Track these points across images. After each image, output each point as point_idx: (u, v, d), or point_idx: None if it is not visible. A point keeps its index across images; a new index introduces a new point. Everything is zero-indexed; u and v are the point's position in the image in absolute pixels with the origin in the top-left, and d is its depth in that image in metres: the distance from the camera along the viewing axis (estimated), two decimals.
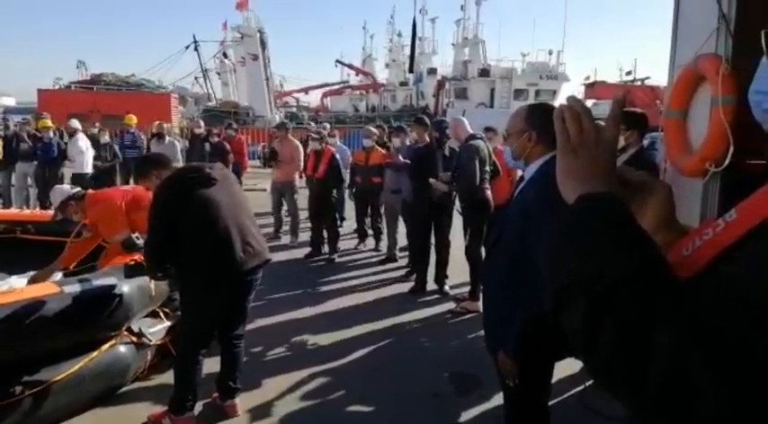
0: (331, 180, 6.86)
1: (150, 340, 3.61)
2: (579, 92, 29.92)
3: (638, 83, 30.34)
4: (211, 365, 3.28)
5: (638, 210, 0.92)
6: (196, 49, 32.22)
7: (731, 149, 3.05)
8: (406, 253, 6.70)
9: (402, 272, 6.37)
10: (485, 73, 28.87)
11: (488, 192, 5.12)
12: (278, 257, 5.72)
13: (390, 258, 6.90)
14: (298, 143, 8.28)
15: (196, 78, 34.43)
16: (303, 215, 7.81)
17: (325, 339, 4.47)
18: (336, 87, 44.78)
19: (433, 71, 33.62)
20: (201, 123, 11.00)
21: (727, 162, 3.09)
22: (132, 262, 3.47)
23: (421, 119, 6.35)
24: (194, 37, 31.99)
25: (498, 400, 3.42)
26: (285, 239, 7.87)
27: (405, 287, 5.87)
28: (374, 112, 34.42)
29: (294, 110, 36.69)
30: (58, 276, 4.01)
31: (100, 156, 9.54)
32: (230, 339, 3.23)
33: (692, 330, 0.60)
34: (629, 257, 0.69)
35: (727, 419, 0.56)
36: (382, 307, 5.32)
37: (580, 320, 0.68)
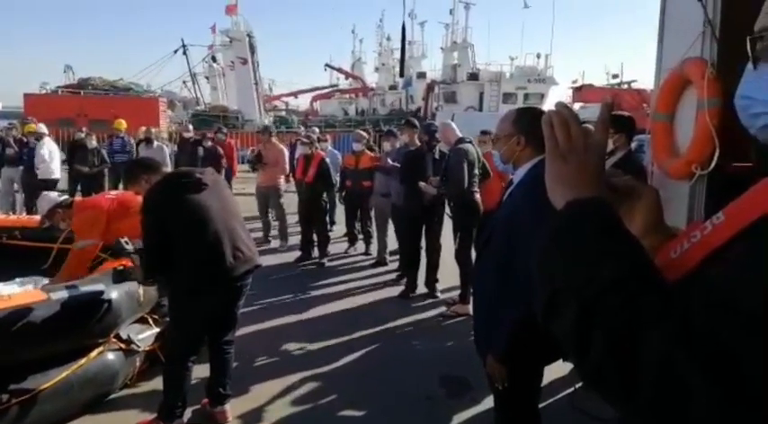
0: (320, 184, 6.85)
1: (139, 347, 3.57)
2: (567, 96, 30.12)
3: (625, 86, 30.56)
4: (201, 371, 3.25)
5: (626, 215, 0.93)
6: (185, 53, 32.09)
7: (717, 152, 3.09)
8: (397, 257, 6.71)
9: (392, 276, 6.37)
10: (474, 76, 28.97)
11: (477, 195, 5.14)
12: (268, 261, 5.69)
13: (380, 261, 6.90)
14: (282, 147, 8.27)
15: (184, 82, 34.27)
16: (293, 218, 7.78)
17: (315, 343, 4.46)
18: (326, 91, 44.75)
19: (422, 75, 33.69)
20: (190, 127, 10.94)
21: (713, 164, 3.13)
22: (121, 267, 3.44)
23: (411, 121, 6.38)
24: (183, 41, 31.88)
25: (489, 403, 3.43)
26: (275, 243, 7.84)
27: (395, 290, 5.87)
28: (364, 116, 34.41)
29: (284, 113, 36.63)
30: (44, 282, 3.97)
31: (87, 161, 9.44)
32: (220, 344, 3.21)
33: (682, 333, 0.60)
34: (618, 262, 0.70)
35: (718, 421, 0.57)
36: (373, 311, 5.31)
37: (571, 326, 0.69)
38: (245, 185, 11.64)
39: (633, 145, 3.97)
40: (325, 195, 6.96)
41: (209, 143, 9.38)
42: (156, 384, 3.36)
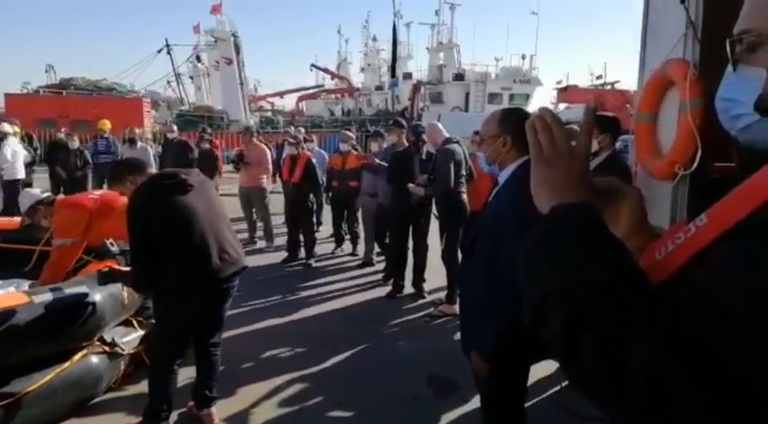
0: (307, 185, 6.83)
1: (123, 350, 3.53)
2: (552, 97, 30.37)
3: (609, 87, 30.89)
4: (187, 373, 3.23)
5: (610, 216, 0.94)
6: (169, 53, 31.86)
7: (699, 152, 3.13)
8: (383, 258, 6.72)
9: (379, 276, 6.37)
10: (459, 77, 29.08)
11: (464, 196, 5.16)
12: (254, 262, 5.65)
13: (367, 262, 6.90)
14: (264, 147, 8.25)
15: (169, 82, 34.04)
16: (280, 219, 7.75)
17: (302, 344, 4.44)
18: (312, 91, 44.66)
19: (408, 75, 33.80)
20: (175, 128, 10.87)
21: (695, 165, 3.18)
22: (106, 269, 3.40)
23: (398, 122, 6.39)
24: (167, 41, 31.64)
25: (477, 402, 3.42)
26: (261, 243, 7.81)
27: (382, 291, 5.87)
28: (350, 116, 34.39)
29: (269, 114, 36.49)
30: (26, 285, 3.91)
31: (69, 162, 9.32)
32: (206, 347, 3.19)
33: (669, 336, 0.61)
34: (603, 265, 0.70)
35: (707, 422, 0.57)
36: (360, 312, 5.31)
37: (559, 330, 0.69)
38: (230, 185, 11.55)
39: (618, 145, 4.01)
40: (311, 196, 6.94)
41: (207, 145, 9.30)
42: (142, 387, 3.33)
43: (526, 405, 2.32)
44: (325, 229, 8.34)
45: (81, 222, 3.56)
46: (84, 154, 9.58)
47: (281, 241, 7.59)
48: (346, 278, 6.37)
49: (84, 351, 3.30)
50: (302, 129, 11.01)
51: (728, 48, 0.77)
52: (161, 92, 34.05)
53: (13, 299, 3.08)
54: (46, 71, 29.16)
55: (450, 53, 31.64)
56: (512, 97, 28.03)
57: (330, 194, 7.48)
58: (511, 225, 1.87)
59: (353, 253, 7.41)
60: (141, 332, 3.75)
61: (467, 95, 28.46)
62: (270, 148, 10.10)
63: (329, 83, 47.31)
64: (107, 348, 3.44)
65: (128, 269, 3.14)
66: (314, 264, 6.94)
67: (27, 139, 10.15)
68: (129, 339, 3.65)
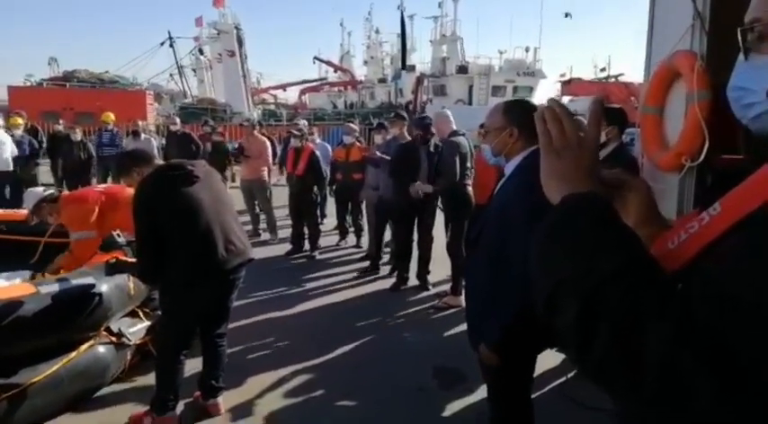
0: (311, 177, 6.82)
1: (130, 340, 3.55)
2: (556, 89, 30.25)
3: (613, 79, 30.76)
4: (194, 364, 3.24)
5: (618, 208, 0.94)
6: (171, 46, 31.77)
7: (707, 144, 3.12)
8: (388, 250, 6.72)
9: (383, 268, 6.38)
10: (463, 70, 28.95)
11: (470, 188, 5.15)
12: (258, 254, 5.63)
13: (371, 254, 6.89)
14: (264, 139, 8.28)
15: (171, 75, 33.92)
16: (284, 212, 7.75)
17: (307, 336, 4.46)
18: (315, 84, 44.52)
19: (411, 68, 33.63)
20: (177, 120, 10.86)
21: (702, 156, 3.16)
22: (113, 260, 3.41)
23: (400, 114, 6.38)
24: (169, 33, 31.52)
25: (482, 393, 3.44)
26: (265, 236, 7.83)
27: (386, 283, 5.88)
28: (353, 109, 34.31)
29: (272, 107, 36.41)
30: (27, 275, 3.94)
31: (72, 155, 9.34)
32: (213, 338, 3.20)
33: (683, 325, 0.61)
34: (616, 255, 0.70)
35: (718, 412, 0.58)
36: (364, 304, 5.32)
37: (572, 319, 0.69)
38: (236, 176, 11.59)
39: (625, 138, 3.99)
40: (315, 188, 6.93)
41: (219, 137, 9.29)
42: (148, 377, 3.35)
43: (532, 396, 2.32)
44: (329, 222, 8.35)
45: (91, 214, 3.59)
46: (87, 147, 9.60)
47: (285, 233, 7.60)
48: (350, 270, 6.37)
49: (91, 342, 3.32)
50: (304, 121, 10.97)
51: (740, 37, 0.77)
52: (164, 84, 34.02)
53: (20, 290, 3.10)
54: (49, 63, 29.12)
55: (454, 46, 31.49)
56: (515, 90, 27.91)
57: (334, 187, 7.47)
58: (519, 217, 1.86)
59: (357, 246, 7.41)
60: (147, 323, 3.77)
61: (470, 88, 28.34)
62: (273, 141, 10.11)
63: (332, 75, 47.19)
64: (114, 339, 3.45)
65: (134, 260, 3.15)
66: (318, 256, 6.95)
67: (32, 132, 10.12)
68: (136, 329, 3.67)
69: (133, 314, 3.77)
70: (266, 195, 7.83)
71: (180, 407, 3.12)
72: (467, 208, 5.14)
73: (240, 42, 28.20)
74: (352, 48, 50.60)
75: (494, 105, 2.25)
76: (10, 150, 8.51)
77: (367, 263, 6.51)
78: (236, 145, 8.51)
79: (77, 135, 9.53)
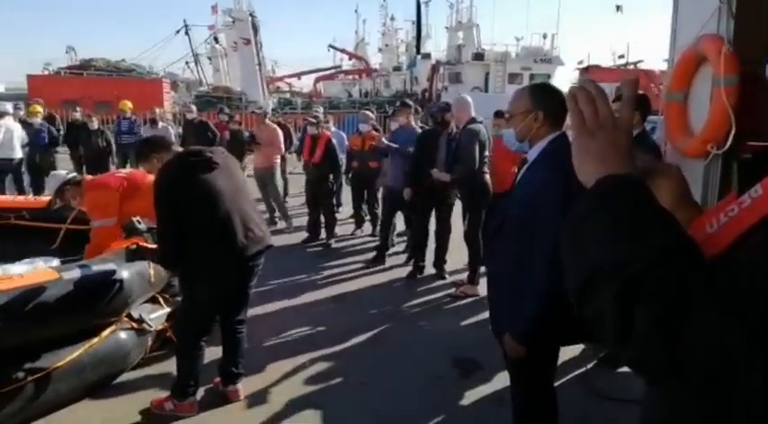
0: (327, 165, 6.81)
1: (150, 326, 3.59)
2: (574, 76, 29.82)
3: (631, 67, 30.27)
4: (214, 350, 3.27)
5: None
6: (187, 34, 31.88)
7: (733, 131, 3.04)
8: (401, 240, 6.71)
9: (399, 257, 6.37)
10: (479, 57, 28.63)
11: (488, 177, 5.10)
12: (275, 242, 5.67)
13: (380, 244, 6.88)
14: (275, 127, 8.30)
15: (187, 63, 34.08)
16: (300, 200, 7.73)
17: (324, 324, 4.47)
18: (329, 72, 44.43)
19: (426, 55, 33.35)
20: (194, 108, 10.93)
21: (728, 143, 3.09)
22: (134, 246, 3.43)
23: (406, 102, 6.35)
24: (185, 21, 31.65)
25: (501, 382, 3.45)
26: (281, 224, 7.85)
27: (403, 271, 5.87)
28: (367, 97, 34.18)
29: (287, 95, 36.42)
30: (55, 262, 3.98)
31: (91, 143, 9.43)
32: (232, 324, 3.22)
33: (730, 309, 0.59)
34: (659, 238, 0.68)
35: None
36: (381, 292, 5.33)
37: (611, 306, 0.66)
38: (249, 165, 11.62)
39: (646, 126, 3.92)
40: (332, 176, 6.92)
41: (237, 126, 9.31)
42: (168, 363, 3.39)
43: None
44: (346, 210, 8.35)
45: (114, 200, 3.61)
46: (105, 135, 9.69)
47: (301, 221, 7.61)
48: (366, 259, 6.36)
49: (113, 327, 3.36)
50: (320, 109, 10.96)
51: None
52: (179, 73, 34.16)
53: (43, 276, 3.13)
54: (66, 52, 29.35)
55: (470, 32, 31.14)
56: (532, 77, 27.53)
57: (350, 175, 7.46)
58: (548, 204, 1.84)
59: (373, 234, 7.40)
60: (167, 309, 3.80)
61: (486, 75, 28.04)
62: (288, 129, 10.12)
63: (347, 63, 47.05)
64: (135, 325, 3.49)
65: (155, 246, 3.17)
66: (334, 245, 6.96)
67: (49, 120, 10.23)
68: (156, 315, 3.71)
69: (153, 300, 3.81)
70: (275, 182, 7.83)
71: (200, 393, 3.16)
72: (485, 197, 5.10)
73: (255, 30, 28.15)
74: (367, 36, 50.44)
75: (518, 89, 2.20)
76: (18, 138, 8.52)
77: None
78: (248, 134, 8.52)
79: (94, 123, 9.62)
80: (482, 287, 5.14)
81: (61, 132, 10.18)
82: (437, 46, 37.08)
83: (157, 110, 10.80)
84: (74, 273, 3.15)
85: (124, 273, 3.31)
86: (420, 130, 6.12)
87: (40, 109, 9.45)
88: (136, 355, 3.51)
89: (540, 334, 1.94)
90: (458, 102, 5.35)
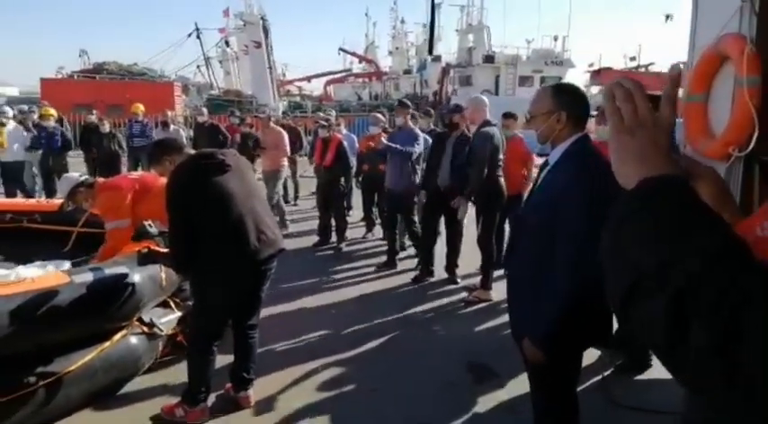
0: (339, 168, 6.77)
1: (162, 331, 3.56)
2: (585, 79, 29.66)
3: (643, 69, 30.07)
4: (225, 356, 3.23)
5: None
6: (198, 37, 32.08)
7: (756, 133, 2.97)
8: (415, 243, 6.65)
9: (412, 261, 6.31)
10: (489, 59, 28.54)
11: (502, 180, 5.03)
12: (285, 246, 5.68)
13: (399, 247, 6.82)
14: (280, 129, 8.28)
15: (198, 67, 34.29)
16: (311, 203, 7.68)
17: (336, 329, 4.43)
18: (339, 75, 44.52)
19: (437, 58, 33.32)
20: (205, 111, 10.96)
21: (751, 146, 3.02)
22: (146, 250, 3.41)
23: (404, 102, 6.33)
24: (196, 25, 31.85)
25: (515, 389, 3.39)
26: (292, 227, 7.82)
27: (414, 275, 5.80)
28: (377, 100, 34.18)
29: (298, 98, 36.54)
30: (66, 265, 3.97)
31: (102, 146, 9.47)
32: (244, 329, 3.18)
33: None
34: (710, 239, 0.64)
35: None
36: (392, 296, 5.27)
37: (661, 313, 0.63)
38: (258, 169, 11.63)
39: None
40: (343, 179, 6.88)
41: (248, 128, 9.30)
42: (180, 368, 3.35)
43: None
44: (356, 213, 8.31)
45: (124, 202, 3.59)
46: (117, 137, 9.74)
47: (312, 225, 7.57)
48: (377, 262, 6.30)
49: (124, 332, 3.33)
50: (333, 112, 10.95)
51: None
52: (191, 77, 34.38)
53: (55, 279, 3.11)
54: (79, 56, 29.65)
55: (480, 35, 31.08)
56: (543, 80, 27.39)
57: (360, 178, 7.41)
58: (573, 206, 1.78)
59: (384, 238, 7.34)
60: (179, 314, 3.78)
61: (497, 78, 27.95)
62: (299, 132, 10.11)
63: (357, 66, 47.13)
64: (146, 329, 3.46)
65: (166, 250, 3.14)
66: (345, 248, 6.91)
67: (58, 123, 10.29)
68: (167, 320, 3.68)
69: (164, 305, 3.79)
70: (277, 184, 7.78)
71: (211, 399, 3.12)
72: (499, 200, 5.04)
73: (266, 33, 28.30)
74: (377, 39, 50.55)
75: (539, 89, 2.14)
76: (20, 141, 8.62)
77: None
78: (253, 139, 8.51)
79: (106, 126, 9.67)
80: (495, 292, 5.08)
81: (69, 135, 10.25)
82: (447, 49, 37.00)
83: (169, 113, 10.87)
84: (85, 277, 3.13)
85: (136, 277, 3.28)
86: (419, 131, 6.11)
87: (53, 111, 9.52)
88: (147, 359, 3.48)
89: (562, 338, 1.88)
90: (474, 102, 5.24)
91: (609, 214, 0.75)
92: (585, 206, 1.74)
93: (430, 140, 5.91)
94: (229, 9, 31.63)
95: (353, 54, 46.31)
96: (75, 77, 25.63)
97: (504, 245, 5.69)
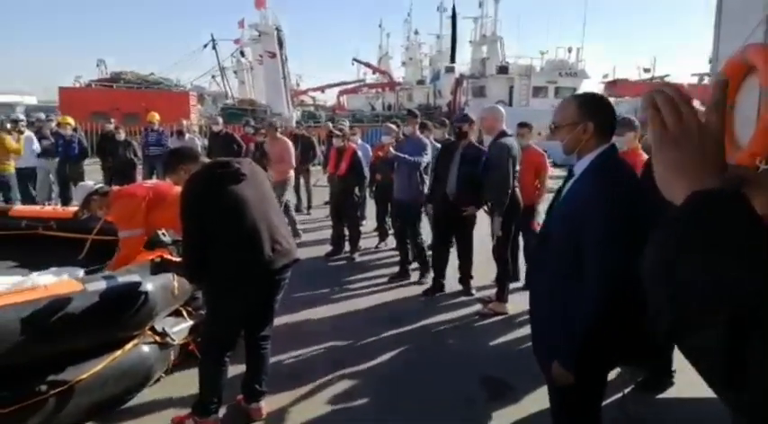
0: (353, 178, 6.74)
1: (174, 340, 3.53)
2: (599, 90, 29.50)
3: (658, 80, 29.86)
4: (237, 367, 3.19)
5: None
6: (214, 48, 32.35)
7: None
8: (429, 253, 6.57)
9: (414, 273, 6.22)
10: (503, 70, 28.49)
11: (518, 190, 4.96)
12: (298, 255, 5.63)
13: (412, 257, 6.74)
14: (286, 140, 8.20)
15: (213, 76, 34.55)
16: (323, 213, 7.64)
17: (349, 340, 4.37)
18: (353, 86, 44.66)
19: (450, 69, 33.34)
20: (220, 120, 11.01)
21: None
22: (159, 259, 3.38)
23: (413, 111, 6.35)
24: (212, 35, 32.12)
25: (530, 405, 3.31)
26: (305, 237, 7.79)
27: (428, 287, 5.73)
28: (390, 111, 34.23)
29: (311, 108, 36.68)
30: (80, 272, 3.96)
31: (117, 154, 9.54)
32: (257, 340, 3.14)
33: None
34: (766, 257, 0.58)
35: None
36: (406, 308, 5.20)
37: (720, 339, 0.57)
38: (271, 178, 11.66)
39: None
40: (357, 189, 6.84)
41: (262, 138, 9.22)
42: (191, 378, 3.31)
43: None
44: (369, 223, 8.26)
45: (140, 211, 3.59)
46: (132, 146, 9.80)
47: (325, 234, 7.53)
48: (390, 273, 6.23)
49: (136, 341, 3.30)
50: (346, 122, 10.95)
51: None
52: (206, 86, 34.68)
53: (68, 286, 3.10)
54: (97, 65, 29.99)
55: (494, 46, 31.09)
56: (557, 91, 27.29)
57: (374, 188, 7.36)
58: (598, 216, 1.73)
59: (397, 248, 7.27)
60: (191, 323, 3.74)
61: (511, 89, 27.86)
62: (313, 141, 10.10)
63: (370, 77, 47.26)
64: (158, 338, 3.43)
65: (179, 259, 3.11)
66: (358, 259, 6.86)
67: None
68: (179, 329, 3.65)
69: (177, 314, 3.76)
70: (283, 193, 7.73)
71: (222, 410, 3.07)
72: (515, 212, 4.96)
73: (281, 44, 28.45)
74: (390, 50, 50.69)
75: (564, 99, 2.09)
76: (34, 147, 8.91)
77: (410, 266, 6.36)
78: (259, 152, 8.47)
79: (121, 134, 9.74)
80: (511, 305, 4.99)
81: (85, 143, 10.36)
82: (461, 59, 37.05)
83: (184, 122, 10.93)
84: (98, 285, 3.11)
85: (148, 285, 3.26)
86: (426, 141, 6.09)
87: (70, 120, 9.62)
88: (158, 369, 3.44)
89: (589, 360, 1.81)
90: (491, 112, 5.12)
91: (654, 233, 0.70)
92: (610, 218, 1.69)
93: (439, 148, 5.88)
94: (244, 20, 31.94)
95: (367, 64, 46.44)
96: (93, 86, 25.94)
97: (520, 257, 5.62)
